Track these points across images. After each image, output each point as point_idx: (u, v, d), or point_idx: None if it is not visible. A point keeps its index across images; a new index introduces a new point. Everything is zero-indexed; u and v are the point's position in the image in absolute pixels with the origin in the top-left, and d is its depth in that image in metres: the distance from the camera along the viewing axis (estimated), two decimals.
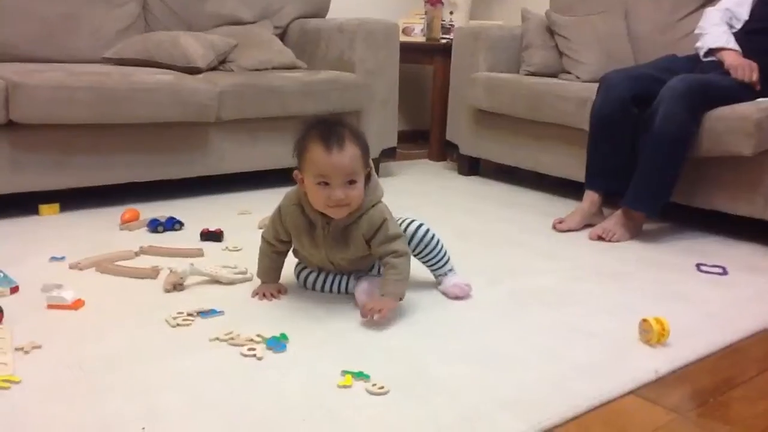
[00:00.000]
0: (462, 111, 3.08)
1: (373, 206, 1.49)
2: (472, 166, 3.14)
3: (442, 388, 1.20)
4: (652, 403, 1.22)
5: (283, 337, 1.36)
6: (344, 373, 1.23)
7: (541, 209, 2.51)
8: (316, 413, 1.11)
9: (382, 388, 1.18)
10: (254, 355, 1.28)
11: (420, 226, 1.59)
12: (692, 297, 1.71)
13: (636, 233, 2.20)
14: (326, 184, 1.40)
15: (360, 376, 1.22)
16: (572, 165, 2.55)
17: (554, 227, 2.26)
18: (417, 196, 2.69)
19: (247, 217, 2.24)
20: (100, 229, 2.05)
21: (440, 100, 3.38)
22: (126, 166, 2.31)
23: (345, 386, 1.19)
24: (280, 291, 1.60)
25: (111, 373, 1.21)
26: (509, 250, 2.04)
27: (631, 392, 1.24)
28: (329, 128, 1.41)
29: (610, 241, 2.15)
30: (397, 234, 1.49)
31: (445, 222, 2.23)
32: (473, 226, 2.29)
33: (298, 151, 1.44)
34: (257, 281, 1.66)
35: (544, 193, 2.80)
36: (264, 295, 1.57)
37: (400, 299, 1.51)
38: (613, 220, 2.19)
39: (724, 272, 1.89)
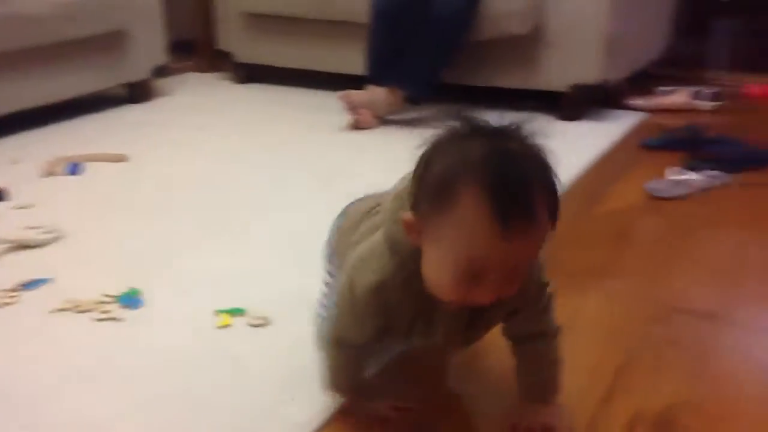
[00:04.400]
0: (233, 16, 2.90)
1: None
2: (249, 74, 3.01)
3: None
4: None
5: (134, 292, 1.24)
6: (218, 312, 1.17)
7: (335, 108, 2.46)
8: (206, 359, 1.05)
9: (264, 318, 1.15)
10: (111, 318, 1.16)
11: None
12: None
13: (387, 115, 2.29)
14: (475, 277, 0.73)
15: (236, 312, 1.17)
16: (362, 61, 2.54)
17: (353, 126, 2.28)
18: (205, 114, 2.55)
19: (23, 167, 1.94)
20: None
21: (203, 6, 3.15)
22: None
23: (225, 326, 1.14)
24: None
25: None
26: (330, 151, 2.07)
27: None
28: (508, 177, 0.69)
29: (357, 119, 2.25)
30: (550, 302, 0.89)
31: (246, 135, 2.27)
32: (282, 137, 2.26)
33: (429, 190, 0.73)
34: (73, 238, 1.48)
35: (335, 91, 2.74)
36: (394, 409, 0.94)
37: None
38: (366, 96, 2.26)
39: None
